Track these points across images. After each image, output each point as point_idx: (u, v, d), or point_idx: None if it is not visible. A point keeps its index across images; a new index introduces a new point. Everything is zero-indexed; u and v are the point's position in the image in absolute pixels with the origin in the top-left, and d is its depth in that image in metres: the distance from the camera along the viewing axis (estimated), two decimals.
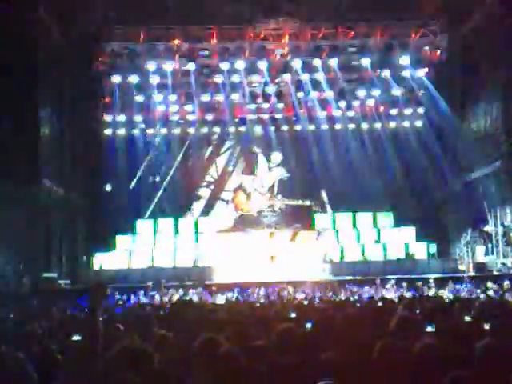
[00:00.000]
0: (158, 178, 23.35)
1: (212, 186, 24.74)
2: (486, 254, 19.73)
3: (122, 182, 22.53)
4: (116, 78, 21.05)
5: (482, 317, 5.42)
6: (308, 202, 23.13)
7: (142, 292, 15.43)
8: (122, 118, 22.75)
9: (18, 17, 15.37)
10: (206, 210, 24.18)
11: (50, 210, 18.07)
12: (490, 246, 19.62)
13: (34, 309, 10.29)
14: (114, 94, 21.80)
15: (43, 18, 17.33)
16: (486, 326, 4.96)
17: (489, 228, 19.56)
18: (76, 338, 4.84)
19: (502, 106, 18.67)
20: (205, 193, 24.59)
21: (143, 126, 23.11)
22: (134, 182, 23.04)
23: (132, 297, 14.91)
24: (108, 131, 23.02)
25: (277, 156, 23.49)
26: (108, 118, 22.72)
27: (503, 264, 18.56)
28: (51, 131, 18.31)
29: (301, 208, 23.22)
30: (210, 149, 24.51)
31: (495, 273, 18.10)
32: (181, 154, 23.85)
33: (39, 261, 16.57)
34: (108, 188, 22.60)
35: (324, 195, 22.79)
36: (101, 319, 6.14)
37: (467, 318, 5.73)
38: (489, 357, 3.29)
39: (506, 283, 14.27)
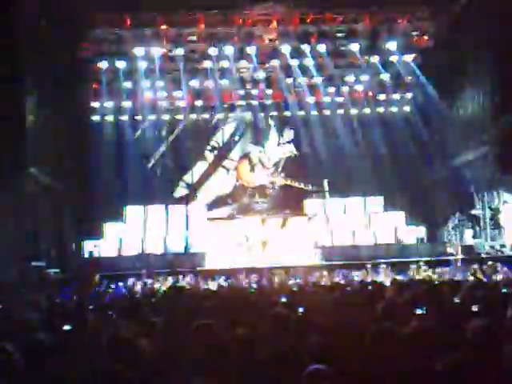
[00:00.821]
0: (155, 157, 23.35)
1: (216, 152, 24.33)
2: (474, 237, 19.90)
3: (109, 168, 22.33)
4: (103, 64, 20.83)
5: (471, 299, 5.47)
6: (310, 187, 23.16)
7: (132, 279, 15.36)
8: (109, 104, 22.56)
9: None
10: (206, 176, 23.95)
11: (37, 198, 17.86)
12: (477, 229, 19.78)
13: (22, 298, 10.20)
14: (101, 80, 21.60)
15: (27, 2, 16.98)
16: (475, 308, 5.01)
17: (476, 211, 19.72)
18: (65, 327, 4.80)
19: (489, 92, 18.69)
20: (208, 156, 24.29)
21: (131, 112, 22.91)
22: (151, 163, 23.18)
23: (122, 284, 14.84)
24: (95, 118, 22.82)
25: (289, 133, 23.46)
26: (95, 104, 22.52)
27: (491, 247, 18.75)
28: (37, 118, 18.04)
29: (292, 193, 23.25)
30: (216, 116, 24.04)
31: (483, 255, 18.26)
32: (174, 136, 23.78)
33: (27, 249, 16.41)
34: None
35: (326, 184, 22.78)
36: (90, 307, 6.13)
37: (456, 300, 5.78)
38: (485, 338, 3.32)
39: (494, 265, 14.39)
